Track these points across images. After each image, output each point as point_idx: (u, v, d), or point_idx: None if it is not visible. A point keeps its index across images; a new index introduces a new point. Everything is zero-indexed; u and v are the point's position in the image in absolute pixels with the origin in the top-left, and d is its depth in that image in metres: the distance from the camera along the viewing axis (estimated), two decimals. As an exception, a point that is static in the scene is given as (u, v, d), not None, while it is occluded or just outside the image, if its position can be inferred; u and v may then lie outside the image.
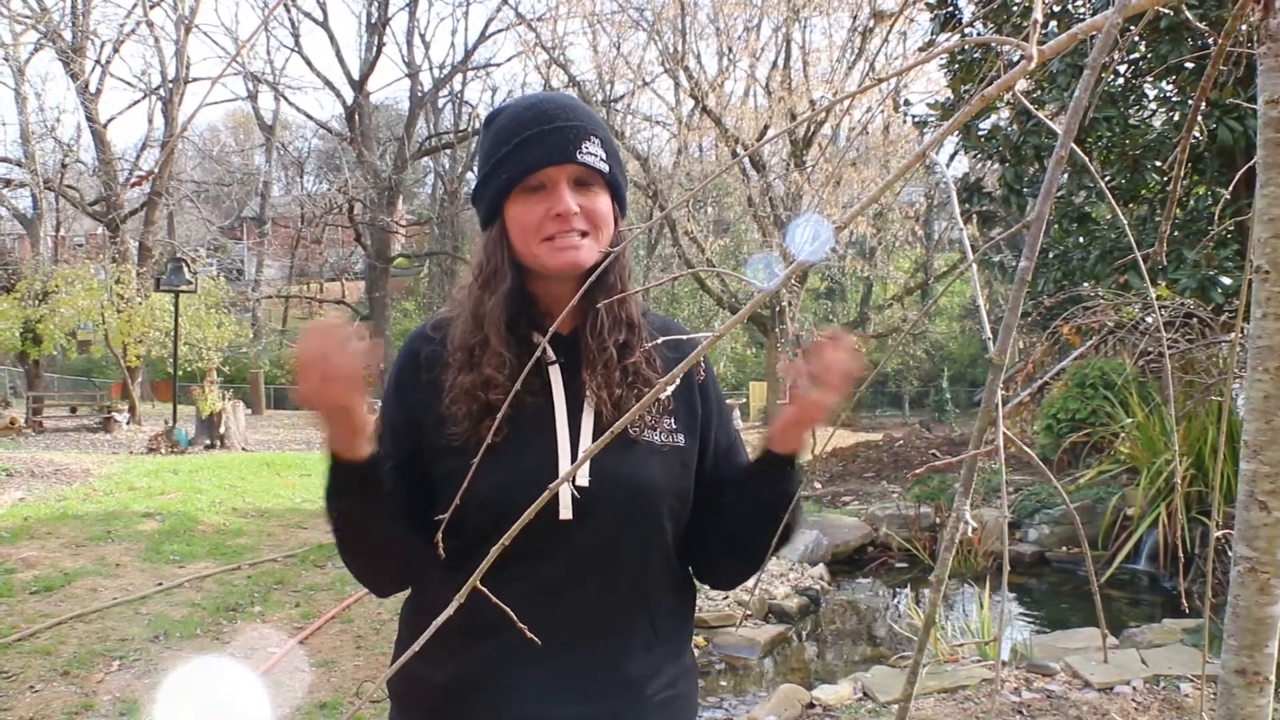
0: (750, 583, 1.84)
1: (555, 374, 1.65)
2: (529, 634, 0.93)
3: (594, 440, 1.62)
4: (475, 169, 1.78)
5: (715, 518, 1.72)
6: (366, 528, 1.55)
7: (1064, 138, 0.73)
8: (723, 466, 1.76)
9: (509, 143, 1.64)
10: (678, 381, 0.79)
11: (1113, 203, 1.10)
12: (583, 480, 1.58)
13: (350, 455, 1.47)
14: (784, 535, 1.65)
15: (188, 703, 4.83)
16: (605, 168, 1.65)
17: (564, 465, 1.59)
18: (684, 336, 1.27)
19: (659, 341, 1.64)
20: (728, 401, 2.01)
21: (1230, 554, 0.92)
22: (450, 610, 0.78)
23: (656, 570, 1.69)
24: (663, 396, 1.67)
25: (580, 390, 1.64)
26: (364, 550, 1.64)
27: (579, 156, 1.61)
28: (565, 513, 1.55)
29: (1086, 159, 0.91)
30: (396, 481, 1.61)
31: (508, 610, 0.86)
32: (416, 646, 0.79)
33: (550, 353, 1.65)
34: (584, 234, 1.62)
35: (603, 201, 1.66)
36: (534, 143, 1.62)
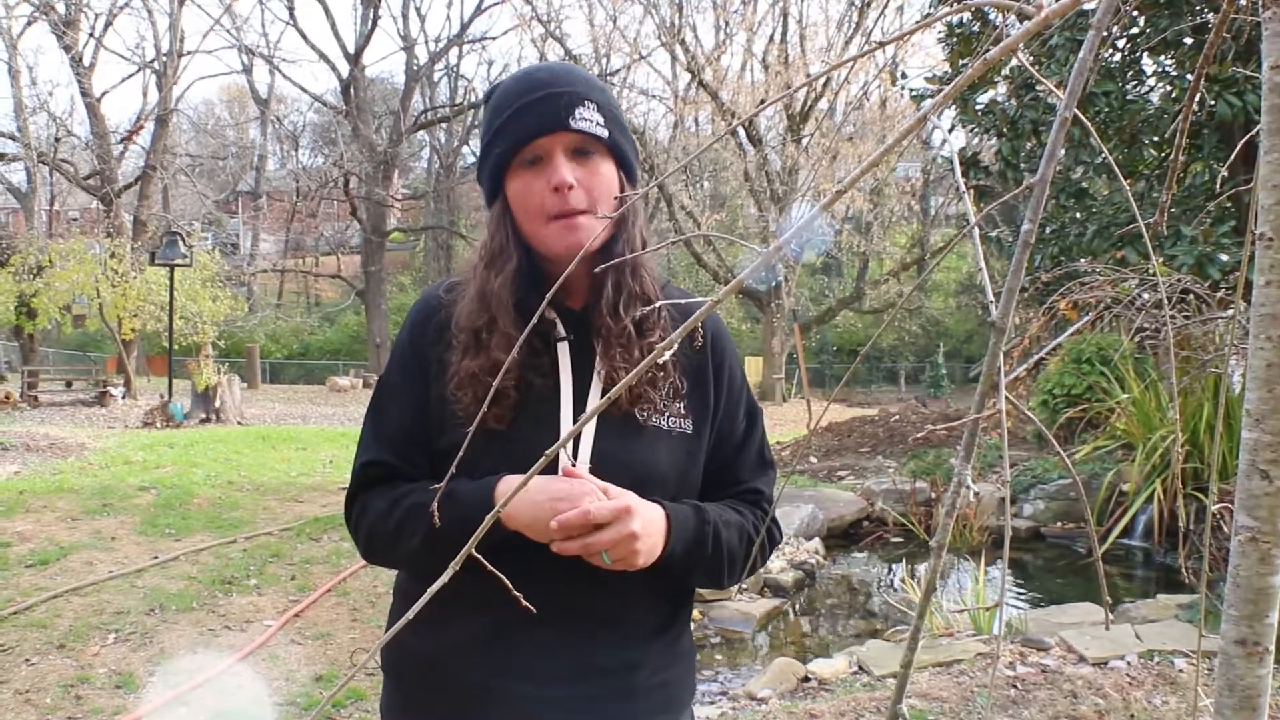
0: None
1: (564, 352, 1.60)
2: (524, 603, 0.92)
3: (600, 422, 1.59)
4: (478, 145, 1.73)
5: None
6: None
7: (1068, 99, 0.71)
8: (712, 470, 1.72)
9: (502, 114, 1.59)
10: (674, 347, 0.78)
11: (1118, 173, 1.09)
12: (584, 467, 1.54)
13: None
14: (743, 559, 1.67)
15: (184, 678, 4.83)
16: (604, 133, 1.58)
17: (567, 446, 1.55)
18: (686, 300, 1.23)
19: (664, 304, 1.61)
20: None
21: (1227, 528, 0.91)
22: (445, 578, 0.77)
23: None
24: (668, 369, 1.65)
25: (589, 369, 1.60)
26: (419, 565, 1.66)
27: (573, 124, 1.55)
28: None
29: (1090, 127, 0.90)
30: (412, 456, 1.63)
31: (503, 579, 0.85)
32: (410, 615, 0.78)
33: (560, 329, 1.60)
34: (584, 211, 1.56)
35: (604, 172, 1.59)
36: (526, 112, 1.56)
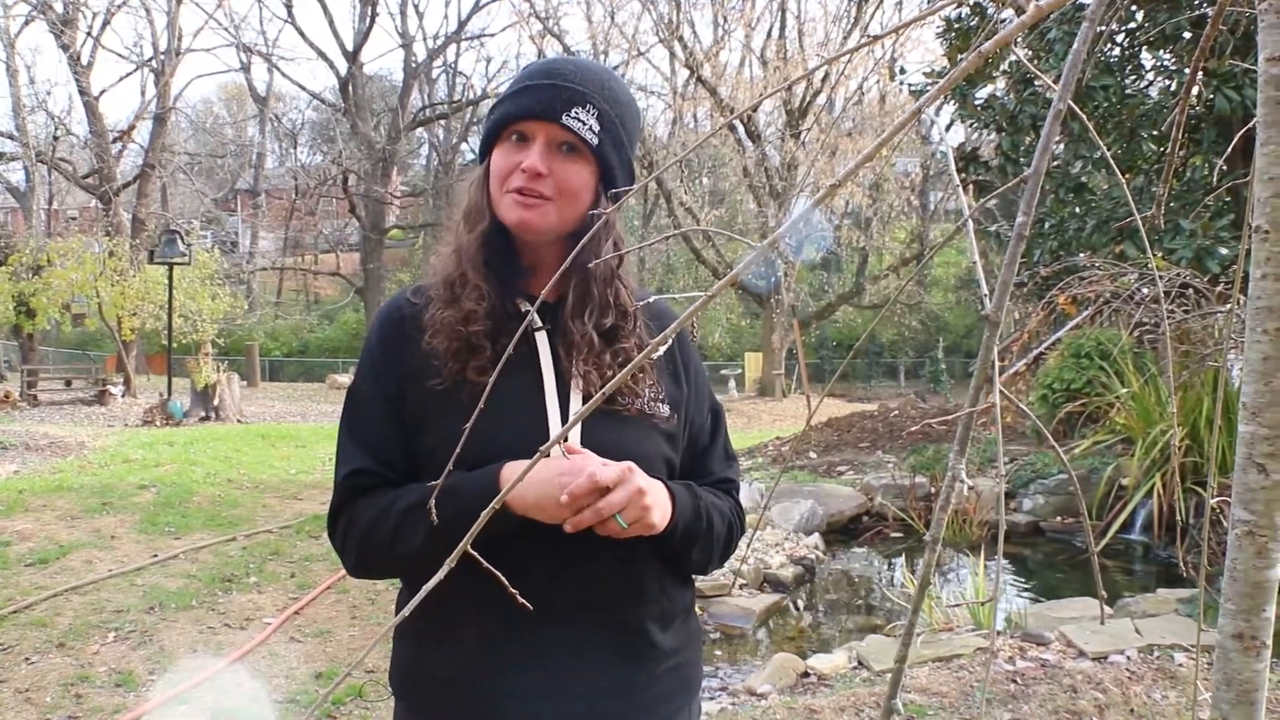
0: (744, 551, 1.82)
1: (542, 341, 1.63)
2: (520, 600, 0.92)
3: (585, 422, 1.61)
4: None
5: None
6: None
7: (1061, 91, 0.71)
8: (686, 467, 1.76)
9: (512, 88, 1.64)
10: (669, 343, 0.78)
11: (1115, 168, 1.09)
12: None
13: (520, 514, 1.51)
14: (720, 543, 1.72)
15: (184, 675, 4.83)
16: (593, 139, 1.59)
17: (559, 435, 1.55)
18: (656, 296, 1.23)
19: (642, 304, 1.65)
20: (722, 372, 1.96)
21: (1226, 522, 0.91)
22: (440, 575, 0.77)
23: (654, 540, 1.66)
24: (648, 365, 1.66)
25: (566, 366, 1.62)
26: (420, 567, 1.64)
27: (563, 119, 1.57)
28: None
29: (1088, 122, 0.90)
30: (393, 461, 1.63)
31: (499, 575, 0.85)
32: (405, 613, 0.78)
33: (536, 319, 1.63)
34: (546, 198, 1.59)
35: (579, 173, 1.61)
36: (529, 93, 1.60)
